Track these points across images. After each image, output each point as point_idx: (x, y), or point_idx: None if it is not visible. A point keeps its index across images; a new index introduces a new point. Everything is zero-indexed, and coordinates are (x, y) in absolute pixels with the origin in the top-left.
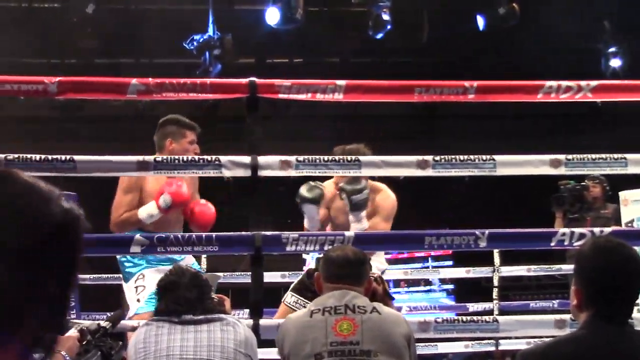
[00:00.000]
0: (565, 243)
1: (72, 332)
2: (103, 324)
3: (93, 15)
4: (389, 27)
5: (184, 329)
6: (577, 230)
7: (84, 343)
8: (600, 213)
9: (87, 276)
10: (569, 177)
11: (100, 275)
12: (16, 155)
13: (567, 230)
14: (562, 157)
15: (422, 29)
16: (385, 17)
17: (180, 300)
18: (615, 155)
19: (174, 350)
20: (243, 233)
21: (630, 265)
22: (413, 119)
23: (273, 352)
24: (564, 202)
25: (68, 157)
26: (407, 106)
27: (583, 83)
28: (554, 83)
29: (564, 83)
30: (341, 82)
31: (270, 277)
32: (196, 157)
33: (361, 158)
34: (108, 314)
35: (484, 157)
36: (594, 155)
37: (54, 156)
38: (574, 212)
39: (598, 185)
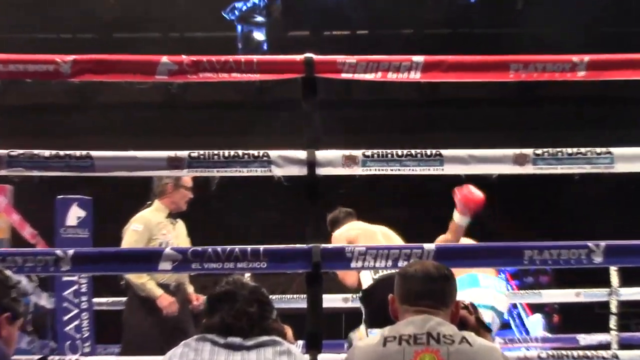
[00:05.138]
0: None
1: None
2: None
3: None
4: None
5: (229, 354)
6: None
7: None
8: None
9: (104, 300)
10: None
11: (120, 299)
12: (21, 151)
13: None
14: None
15: None
16: None
17: (240, 315)
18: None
19: None
20: (298, 246)
21: None
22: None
23: None
24: None
25: (84, 153)
26: (498, 87)
27: None
28: None
29: None
30: (419, 58)
31: (329, 301)
32: (240, 152)
33: (444, 152)
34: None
35: (597, 150)
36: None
37: (67, 152)
38: None
39: None
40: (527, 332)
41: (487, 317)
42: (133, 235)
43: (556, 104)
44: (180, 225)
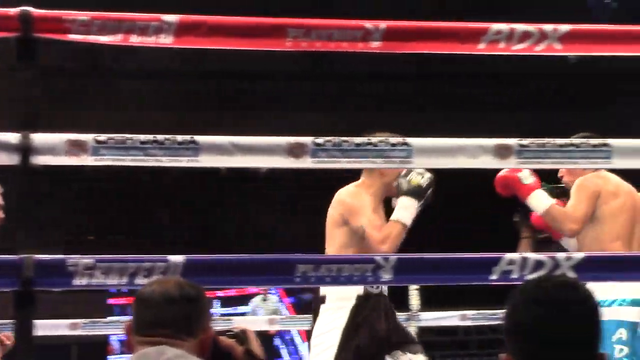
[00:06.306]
0: (514, 276)
1: None
2: None
3: None
4: None
5: None
6: (533, 256)
7: None
8: None
9: None
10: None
11: None
12: None
13: (515, 256)
14: (512, 142)
15: None
16: None
17: None
18: (594, 141)
19: None
20: (4, 257)
21: (577, 322)
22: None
23: None
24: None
25: None
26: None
27: (548, 28)
28: (504, 27)
29: (520, 27)
30: (171, 18)
31: (50, 327)
32: None
33: (199, 139)
34: None
35: (392, 140)
36: (560, 141)
37: None
38: (543, 231)
39: None
40: None
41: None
42: None
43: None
44: None
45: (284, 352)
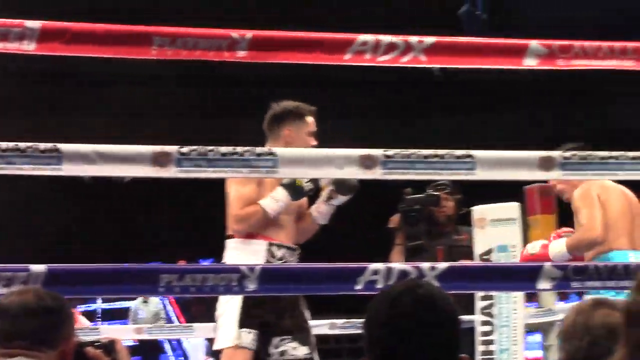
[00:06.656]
0: (379, 286)
1: None
2: None
3: None
4: None
5: None
6: (397, 266)
7: None
8: (454, 240)
9: None
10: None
11: None
12: None
13: (380, 266)
14: (377, 152)
15: None
16: None
17: None
18: (458, 153)
19: None
20: None
21: (433, 329)
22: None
23: None
24: (416, 222)
25: None
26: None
27: (414, 39)
28: (370, 37)
29: (386, 38)
30: (33, 24)
31: None
32: None
33: (62, 147)
34: None
35: (257, 150)
36: (425, 152)
37: None
38: (413, 239)
39: (451, 198)
40: (186, 358)
41: None
42: None
43: None
44: None
45: (167, 346)
